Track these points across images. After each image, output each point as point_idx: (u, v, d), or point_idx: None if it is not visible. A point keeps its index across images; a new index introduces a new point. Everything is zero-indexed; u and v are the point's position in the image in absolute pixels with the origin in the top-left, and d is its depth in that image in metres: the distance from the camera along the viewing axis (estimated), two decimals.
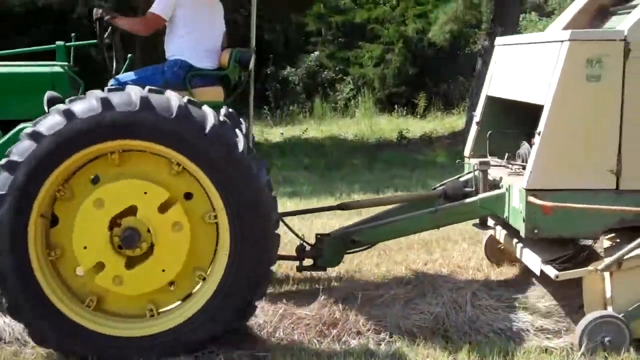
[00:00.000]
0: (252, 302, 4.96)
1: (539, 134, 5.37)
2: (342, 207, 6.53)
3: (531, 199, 5.36)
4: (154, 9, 5.49)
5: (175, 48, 5.55)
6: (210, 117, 4.72)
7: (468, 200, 5.91)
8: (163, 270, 4.82)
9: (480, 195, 5.87)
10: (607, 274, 5.20)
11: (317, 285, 6.23)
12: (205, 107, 4.80)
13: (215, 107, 5.52)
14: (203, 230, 4.88)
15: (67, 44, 5.84)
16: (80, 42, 5.94)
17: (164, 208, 4.77)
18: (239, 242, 4.80)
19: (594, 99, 5.31)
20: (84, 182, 4.80)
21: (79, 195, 4.76)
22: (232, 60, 5.53)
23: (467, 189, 6.08)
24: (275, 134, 18.79)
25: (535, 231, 5.45)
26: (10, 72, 5.62)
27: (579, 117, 5.34)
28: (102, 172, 4.79)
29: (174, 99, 4.70)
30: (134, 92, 4.65)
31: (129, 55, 6.14)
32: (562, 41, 5.35)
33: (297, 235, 6.16)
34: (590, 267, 5.25)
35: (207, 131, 4.66)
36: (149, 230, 4.78)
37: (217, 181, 4.74)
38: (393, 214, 6.21)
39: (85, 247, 4.74)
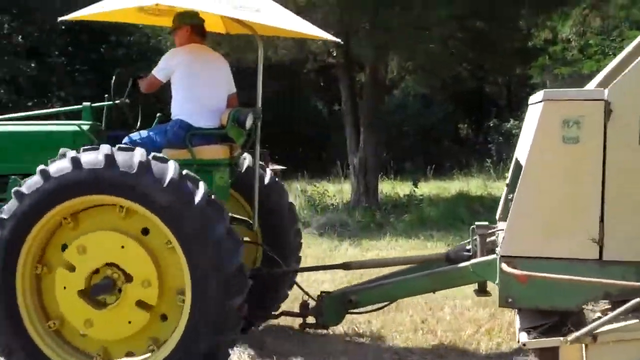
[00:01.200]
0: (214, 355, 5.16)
1: (512, 199, 5.16)
2: (345, 266, 6.54)
3: (504, 266, 5.13)
4: (154, 70, 5.98)
5: (177, 109, 5.95)
6: (171, 170, 5.07)
7: (462, 264, 5.73)
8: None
9: (473, 260, 5.67)
10: (583, 347, 4.84)
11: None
12: (169, 162, 5.14)
13: (218, 164, 5.89)
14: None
15: (93, 104, 6.45)
16: (102, 103, 6.52)
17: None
18: (197, 289, 5.03)
19: (572, 162, 5.00)
20: None
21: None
22: (230, 119, 5.84)
23: (467, 253, 5.90)
24: (499, 187, 18.52)
25: (510, 300, 5.20)
26: (39, 131, 6.31)
27: (556, 180, 5.05)
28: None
29: (137, 155, 5.11)
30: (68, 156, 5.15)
31: (158, 114, 6.63)
32: (540, 101, 5.13)
33: (303, 290, 6.28)
34: (560, 337, 4.90)
35: (166, 184, 5.01)
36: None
37: (173, 229, 5.05)
38: (399, 275, 6.15)
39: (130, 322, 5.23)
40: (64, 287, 5.23)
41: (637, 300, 4.75)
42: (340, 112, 28.25)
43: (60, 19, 6.33)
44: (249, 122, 5.86)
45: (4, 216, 5.17)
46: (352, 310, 6.11)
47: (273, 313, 6.53)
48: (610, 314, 4.79)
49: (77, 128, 6.10)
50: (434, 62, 16.73)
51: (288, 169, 26.83)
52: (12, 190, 5.21)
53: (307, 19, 16.64)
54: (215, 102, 6.02)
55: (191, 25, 6.13)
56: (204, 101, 5.95)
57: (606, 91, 4.96)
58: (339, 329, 6.75)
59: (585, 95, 5.06)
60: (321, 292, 6.17)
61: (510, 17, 16.82)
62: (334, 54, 19.09)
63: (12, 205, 5.17)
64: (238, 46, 17.94)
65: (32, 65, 24.45)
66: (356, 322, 6.93)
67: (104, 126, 6.45)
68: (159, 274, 5.16)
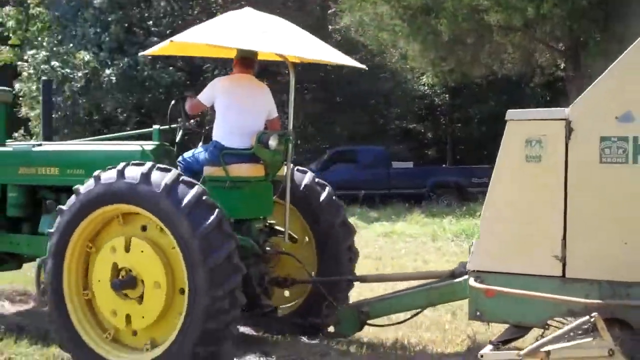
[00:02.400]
0: (213, 343, 5.74)
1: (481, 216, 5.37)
2: (362, 279, 6.86)
3: (471, 281, 5.35)
4: (199, 95, 6.73)
5: (215, 131, 6.63)
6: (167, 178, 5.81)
7: (457, 280, 5.91)
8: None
9: (466, 276, 5.84)
10: None
11: None
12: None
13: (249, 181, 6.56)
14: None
15: (161, 127, 7.32)
16: (167, 127, 7.35)
17: None
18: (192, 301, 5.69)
19: (535, 180, 5.14)
20: None
21: None
22: (256, 141, 6.48)
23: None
24: None
25: (478, 314, 5.39)
26: (110, 150, 7.30)
27: (519, 198, 5.21)
28: None
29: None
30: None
31: None
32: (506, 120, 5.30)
33: (330, 300, 6.70)
34: (513, 351, 5.05)
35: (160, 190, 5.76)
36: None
37: (173, 232, 5.75)
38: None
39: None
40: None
41: (585, 318, 4.81)
42: None
43: (140, 54, 7.28)
44: (272, 143, 6.42)
45: (82, 190, 6.11)
46: (371, 323, 6.47)
47: (296, 322, 7.02)
48: (558, 332, 4.87)
49: (140, 148, 7.01)
50: None
51: None
52: (94, 173, 6.11)
53: (535, 31, 16.42)
54: (249, 125, 6.59)
55: (241, 58, 6.85)
56: (237, 124, 6.56)
57: (567, 110, 5.05)
58: None
59: (547, 114, 5.16)
60: (345, 303, 6.58)
61: None
62: (562, 67, 18.77)
63: (89, 184, 6.10)
64: (463, 60, 18.23)
65: (265, 83, 26.22)
66: None
67: (176, 147, 7.28)
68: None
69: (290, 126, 6.69)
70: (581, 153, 5.00)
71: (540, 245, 5.13)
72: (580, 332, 4.87)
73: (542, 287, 5.10)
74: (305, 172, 7.30)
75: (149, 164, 6.03)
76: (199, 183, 5.98)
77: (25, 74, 24.06)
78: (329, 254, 7.12)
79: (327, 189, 7.29)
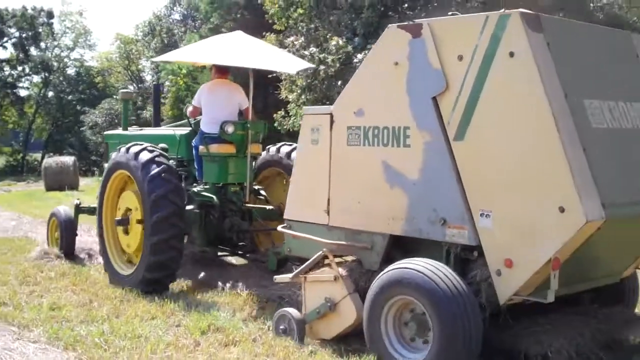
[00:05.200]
0: (157, 271, 8.66)
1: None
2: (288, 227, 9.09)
3: (279, 227, 7.61)
4: (193, 101, 9.60)
5: (201, 122, 9.45)
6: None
7: None
8: None
9: None
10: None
11: None
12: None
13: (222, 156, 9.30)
14: None
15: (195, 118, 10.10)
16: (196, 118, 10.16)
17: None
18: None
19: (314, 157, 7.23)
20: None
21: None
22: (219, 128, 9.17)
23: None
24: None
25: (289, 250, 7.63)
26: (153, 134, 10.38)
27: (308, 170, 7.33)
28: None
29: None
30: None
31: None
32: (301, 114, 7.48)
33: (273, 244, 9.22)
34: (289, 275, 7.24)
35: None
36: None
37: (140, 193, 8.74)
38: None
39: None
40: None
41: (319, 253, 6.91)
42: None
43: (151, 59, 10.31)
44: (229, 129, 9.07)
45: (113, 155, 9.40)
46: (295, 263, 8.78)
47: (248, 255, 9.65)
48: (311, 260, 6.98)
49: (174, 132, 10.05)
50: None
51: None
52: (118, 147, 9.38)
53: None
54: (224, 115, 9.26)
55: (216, 67, 9.61)
56: (214, 115, 9.27)
57: (332, 107, 7.13)
58: None
59: (322, 110, 7.26)
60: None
61: None
62: None
63: (114, 155, 9.36)
64: None
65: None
66: None
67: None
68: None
69: (250, 117, 9.28)
70: (337, 138, 6.99)
71: (317, 202, 7.19)
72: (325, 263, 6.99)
73: (318, 232, 7.16)
74: (291, 145, 9.85)
75: (143, 146, 8.99)
76: (167, 162, 8.80)
77: None
78: None
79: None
